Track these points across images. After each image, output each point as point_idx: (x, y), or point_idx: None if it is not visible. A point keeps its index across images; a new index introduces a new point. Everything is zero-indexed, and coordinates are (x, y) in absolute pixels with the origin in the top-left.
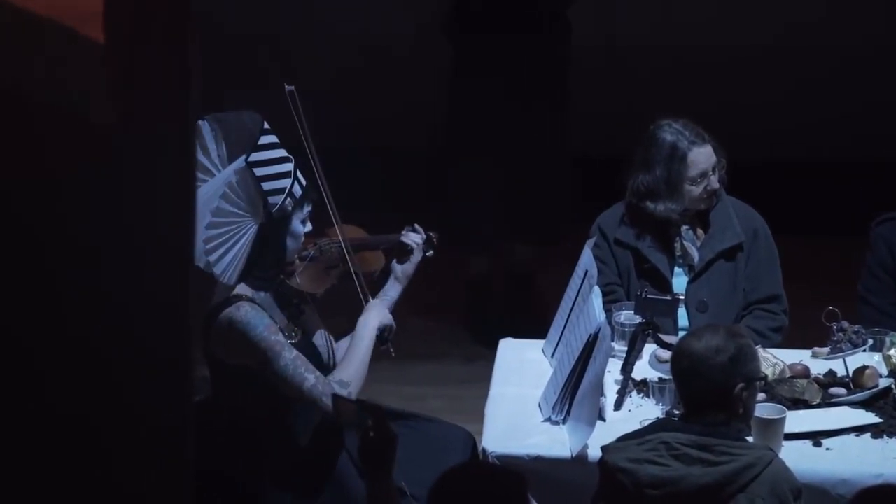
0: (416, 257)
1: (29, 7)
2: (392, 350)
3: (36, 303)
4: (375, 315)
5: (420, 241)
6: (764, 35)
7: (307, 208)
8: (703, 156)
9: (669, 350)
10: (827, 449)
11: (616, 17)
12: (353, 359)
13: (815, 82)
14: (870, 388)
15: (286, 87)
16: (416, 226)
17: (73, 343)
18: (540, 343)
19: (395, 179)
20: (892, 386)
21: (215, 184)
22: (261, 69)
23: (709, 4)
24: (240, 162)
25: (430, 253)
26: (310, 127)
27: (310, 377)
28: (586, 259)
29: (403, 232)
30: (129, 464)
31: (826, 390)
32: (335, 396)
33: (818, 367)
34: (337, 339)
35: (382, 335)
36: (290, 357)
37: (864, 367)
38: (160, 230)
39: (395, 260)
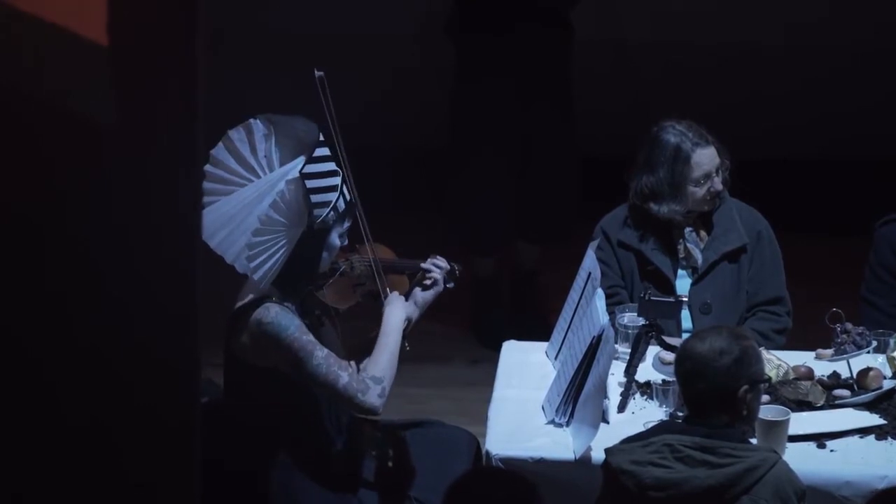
0: (438, 287)
1: (33, 10)
2: (406, 344)
3: (38, 304)
4: (400, 307)
5: (442, 272)
6: (767, 34)
7: (347, 223)
8: (706, 157)
9: (673, 352)
10: (831, 451)
11: (619, 15)
12: (382, 353)
13: (819, 81)
14: (874, 390)
15: (316, 72)
16: (440, 257)
17: (81, 344)
18: (543, 345)
19: (397, 180)
20: None
21: (260, 187)
22: (262, 69)
23: (711, 4)
24: (293, 171)
25: (451, 285)
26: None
27: (343, 375)
28: (589, 261)
29: (429, 260)
30: (139, 463)
31: (830, 392)
32: (360, 423)
33: (822, 368)
34: (352, 354)
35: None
36: (322, 356)
37: (868, 369)
38: (166, 231)
39: (417, 286)
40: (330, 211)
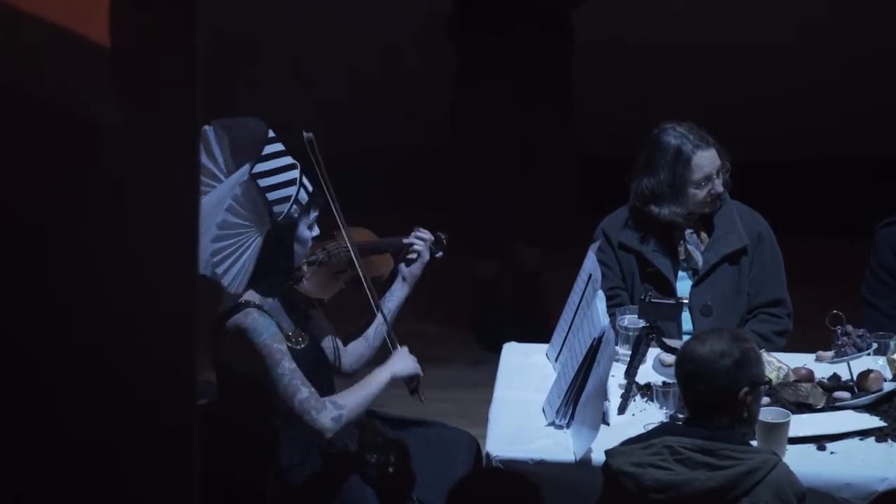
0: (424, 258)
1: (34, 10)
2: (422, 397)
3: (37, 304)
4: (400, 363)
5: (427, 243)
6: (768, 35)
7: (314, 214)
8: (707, 159)
9: (673, 354)
10: (831, 453)
11: (619, 16)
12: (356, 390)
13: (822, 82)
14: (874, 392)
15: (304, 133)
16: (422, 229)
17: (81, 345)
18: (544, 347)
19: (397, 180)
20: None
21: (220, 193)
22: (263, 69)
23: (712, 5)
24: (243, 174)
25: (440, 254)
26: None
27: (304, 390)
28: (590, 263)
29: (412, 234)
30: (137, 466)
31: (830, 394)
32: (363, 426)
33: (822, 370)
34: (346, 341)
35: (410, 385)
36: (289, 367)
37: (869, 371)
38: (165, 233)
39: (402, 262)
40: (292, 205)
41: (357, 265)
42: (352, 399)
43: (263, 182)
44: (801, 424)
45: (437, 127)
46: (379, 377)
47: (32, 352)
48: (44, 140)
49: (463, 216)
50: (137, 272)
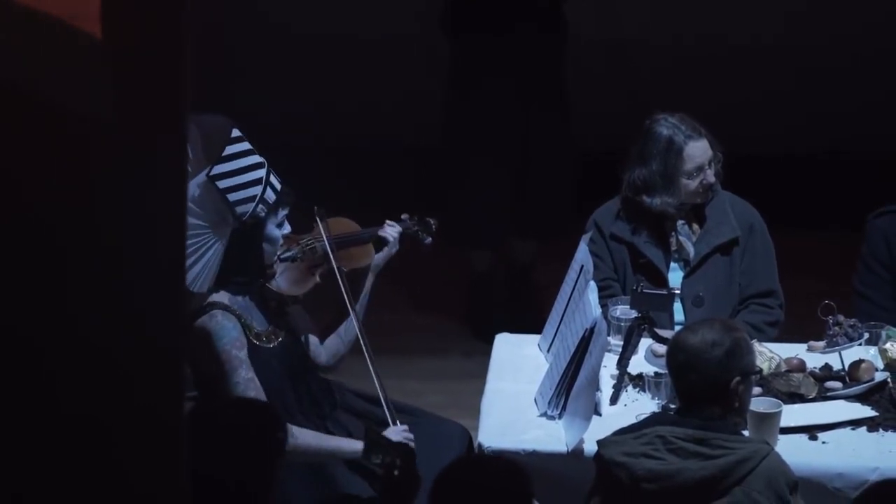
0: (392, 250)
1: (29, 5)
2: None
3: (36, 302)
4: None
5: (396, 234)
6: (767, 33)
7: (283, 212)
8: (699, 150)
9: (665, 344)
10: (823, 443)
11: (619, 15)
12: (324, 437)
13: (818, 80)
14: (866, 382)
15: (315, 209)
16: (405, 216)
17: (78, 341)
18: (536, 338)
19: (396, 179)
20: (888, 380)
21: (190, 191)
22: (262, 69)
23: (711, 3)
24: (201, 176)
25: (429, 240)
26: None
27: None
28: (582, 254)
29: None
30: (127, 458)
31: (822, 384)
32: (368, 428)
33: (814, 360)
34: (322, 338)
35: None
36: (244, 377)
37: (860, 361)
38: (156, 228)
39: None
40: (257, 205)
41: (332, 260)
42: (312, 439)
43: (225, 183)
44: (793, 414)
45: (436, 126)
46: (353, 444)
47: (32, 349)
48: (40, 135)
49: (462, 216)
50: (130, 266)
